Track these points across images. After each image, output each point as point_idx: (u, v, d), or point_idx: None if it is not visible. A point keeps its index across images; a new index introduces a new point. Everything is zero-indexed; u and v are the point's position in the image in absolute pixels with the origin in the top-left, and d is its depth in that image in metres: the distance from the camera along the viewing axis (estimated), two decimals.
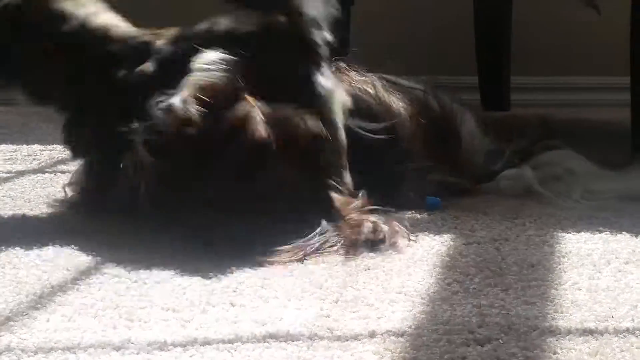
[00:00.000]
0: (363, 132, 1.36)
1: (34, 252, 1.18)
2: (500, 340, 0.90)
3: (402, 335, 0.92)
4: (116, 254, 1.17)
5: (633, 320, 0.96)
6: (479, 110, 1.65)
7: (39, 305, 1.00)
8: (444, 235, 1.27)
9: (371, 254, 1.17)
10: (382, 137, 1.38)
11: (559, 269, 1.12)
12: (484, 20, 2.36)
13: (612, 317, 0.96)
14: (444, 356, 0.87)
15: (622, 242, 1.22)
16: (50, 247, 1.20)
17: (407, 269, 1.12)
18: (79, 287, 1.06)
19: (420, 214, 1.37)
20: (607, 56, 2.38)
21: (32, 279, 1.09)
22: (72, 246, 1.21)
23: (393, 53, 2.43)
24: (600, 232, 1.27)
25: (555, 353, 0.87)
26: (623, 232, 1.26)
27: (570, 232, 1.27)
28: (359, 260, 1.15)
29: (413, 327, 0.94)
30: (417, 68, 2.34)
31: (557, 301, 1.01)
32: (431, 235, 1.26)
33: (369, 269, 1.12)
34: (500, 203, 1.44)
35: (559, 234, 1.26)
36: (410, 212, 1.37)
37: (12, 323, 0.95)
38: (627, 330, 0.93)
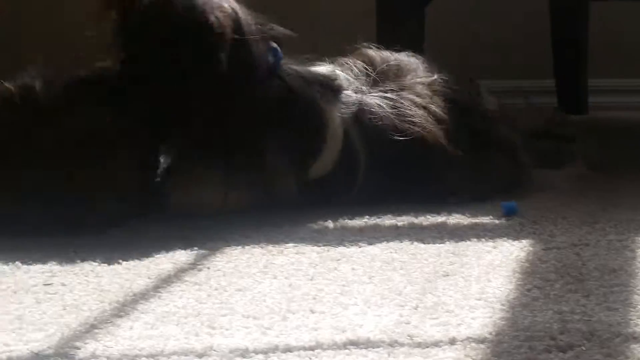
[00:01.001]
0: None
1: (116, 261, 1.20)
2: (583, 347, 0.89)
3: (482, 341, 0.91)
4: (196, 261, 1.19)
5: None
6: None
7: (122, 313, 1.01)
8: (522, 240, 1.26)
9: (450, 260, 1.17)
10: None
11: None
12: (560, 21, 2.34)
13: None
14: None
15: None
16: (132, 255, 1.22)
17: (487, 275, 1.12)
18: (160, 294, 1.07)
19: (498, 220, 1.37)
20: None
21: (114, 287, 1.11)
22: (153, 254, 1.23)
23: (468, 55, 2.43)
24: None
25: None
26: None
27: None
28: (438, 266, 1.15)
29: (494, 333, 0.93)
30: (493, 70, 2.34)
31: None
32: (510, 240, 1.26)
33: (447, 275, 1.12)
34: (578, 207, 1.42)
35: None
36: (488, 218, 1.37)
37: (96, 331, 0.97)
38: None
